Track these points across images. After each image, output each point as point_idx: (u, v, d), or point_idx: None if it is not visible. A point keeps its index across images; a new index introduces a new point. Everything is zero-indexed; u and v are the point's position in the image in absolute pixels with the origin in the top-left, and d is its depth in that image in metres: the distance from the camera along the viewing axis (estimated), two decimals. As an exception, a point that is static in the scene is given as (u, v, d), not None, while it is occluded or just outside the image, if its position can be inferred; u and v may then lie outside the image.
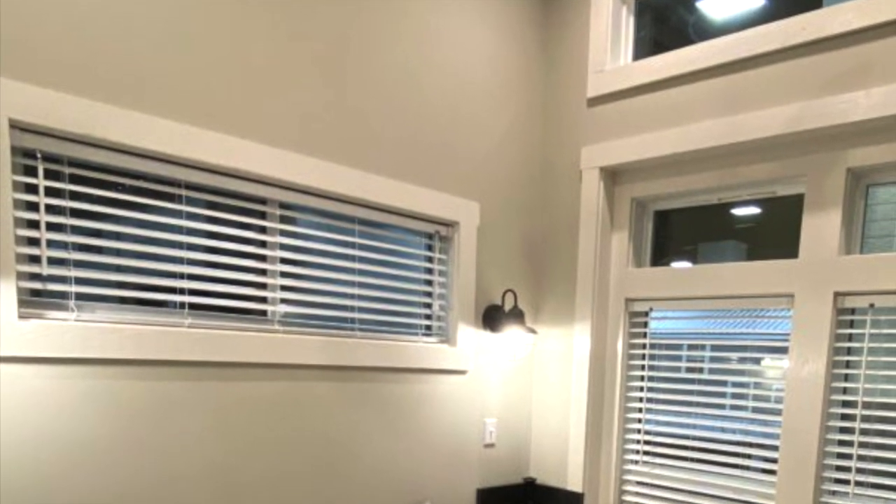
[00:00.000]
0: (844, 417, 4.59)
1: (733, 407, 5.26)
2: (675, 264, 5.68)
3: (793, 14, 4.51)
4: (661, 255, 5.78)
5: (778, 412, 4.85)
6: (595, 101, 5.62)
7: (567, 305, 5.85)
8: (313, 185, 4.45)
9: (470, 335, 5.48)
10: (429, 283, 5.35)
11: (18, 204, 3.37)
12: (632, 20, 5.57)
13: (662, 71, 5.14)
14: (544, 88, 5.98)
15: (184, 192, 3.98)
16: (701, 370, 5.43)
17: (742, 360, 5.24)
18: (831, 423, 4.62)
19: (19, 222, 3.39)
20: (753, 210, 5.30)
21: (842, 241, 4.53)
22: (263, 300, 4.39)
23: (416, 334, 5.27)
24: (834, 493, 4.63)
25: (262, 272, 4.37)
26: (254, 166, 4.14)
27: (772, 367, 5.07)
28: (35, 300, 3.49)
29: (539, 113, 5.97)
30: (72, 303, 3.60)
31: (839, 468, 4.61)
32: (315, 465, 4.63)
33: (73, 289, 3.61)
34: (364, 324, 4.90)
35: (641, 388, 5.69)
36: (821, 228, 4.59)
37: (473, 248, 5.47)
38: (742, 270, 5.00)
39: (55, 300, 3.56)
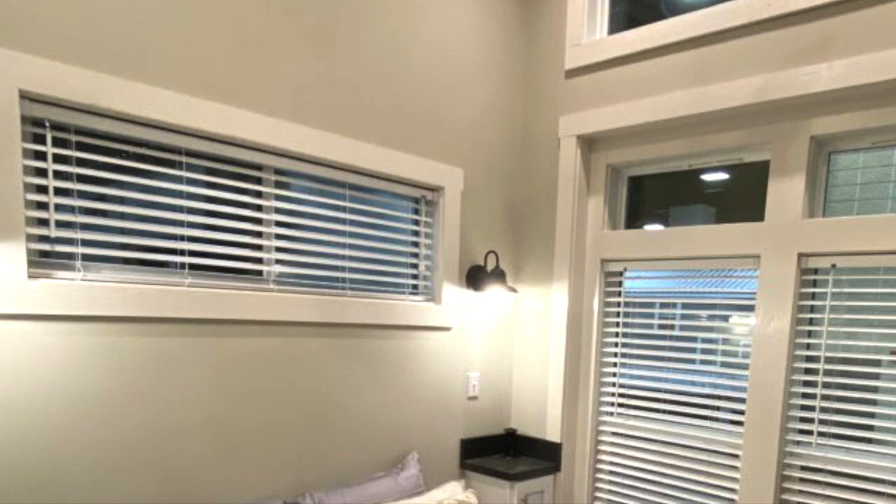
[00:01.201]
0: (808, 371, 4.62)
1: (703, 362, 5.28)
2: (648, 227, 5.68)
3: (759, -10, 4.53)
4: (634, 219, 5.78)
5: (745, 367, 4.90)
6: (572, 73, 5.63)
7: (546, 266, 5.88)
8: (306, 153, 4.47)
9: (454, 294, 5.52)
10: (415, 244, 5.37)
11: (28, 170, 3.41)
12: (607, -4, 5.58)
13: (636, 44, 5.15)
14: (524, 61, 5.99)
15: (184, 159, 4.01)
16: (672, 327, 5.43)
17: (711, 318, 5.25)
18: (795, 377, 4.66)
19: (29, 187, 3.42)
20: (722, 176, 5.30)
21: (805, 205, 4.56)
22: (259, 261, 4.41)
23: (404, 293, 5.29)
24: (798, 442, 4.68)
25: (258, 235, 4.39)
26: (250, 134, 4.16)
27: (739, 323, 5.08)
28: (43, 261, 3.52)
29: (519, 84, 5.98)
30: (78, 263, 3.63)
31: (803, 419, 4.66)
32: (308, 417, 4.67)
33: (80, 250, 3.64)
34: (354, 283, 4.93)
35: (616, 344, 5.72)
36: (785, 193, 4.61)
37: (457, 211, 5.49)
38: (711, 233, 5.03)
39: (62, 261, 3.59)
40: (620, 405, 5.73)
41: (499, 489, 5.48)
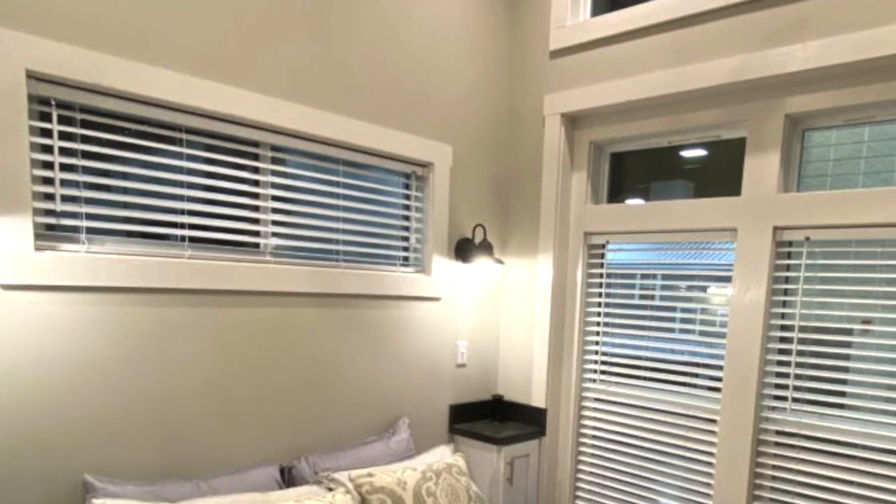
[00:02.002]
0: (783, 340, 4.65)
1: (682, 330, 5.27)
2: (630, 201, 5.68)
3: (737, -26, 4.55)
4: (616, 193, 5.79)
5: (722, 335, 4.93)
6: (557, 54, 5.65)
7: (531, 238, 5.91)
8: (301, 130, 4.49)
9: (443, 265, 5.54)
10: (406, 218, 5.38)
11: (35, 147, 3.44)
12: (591, -21, 5.58)
13: (618, 26, 5.16)
14: (510, 42, 5.99)
15: (184, 136, 4.03)
16: (653, 297, 5.43)
17: (690, 288, 5.25)
18: (771, 346, 4.70)
19: (35, 163, 3.45)
20: (700, 152, 5.29)
21: (780, 181, 4.59)
22: (256, 234, 4.43)
23: (395, 265, 5.31)
24: (773, 408, 4.72)
25: (255, 209, 4.41)
26: (247, 112, 4.19)
27: (717, 294, 5.09)
28: (49, 234, 3.55)
29: (506, 64, 5.99)
30: (83, 236, 3.66)
31: (778, 386, 4.69)
32: (303, 384, 4.70)
33: (84, 223, 3.66)
34: (347, 255, 4.95)
35: (599, 314, 5.74)
36: (761, 169, 4.64)
37: (446, 186, 5.51)
38: (690, 207, 5.04)
39: (68, 234, 3.62)
40: (603, 372, 5.75)
41: (486, 453, 5.51)
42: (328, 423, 4.89)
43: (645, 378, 5.51)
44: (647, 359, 5.52)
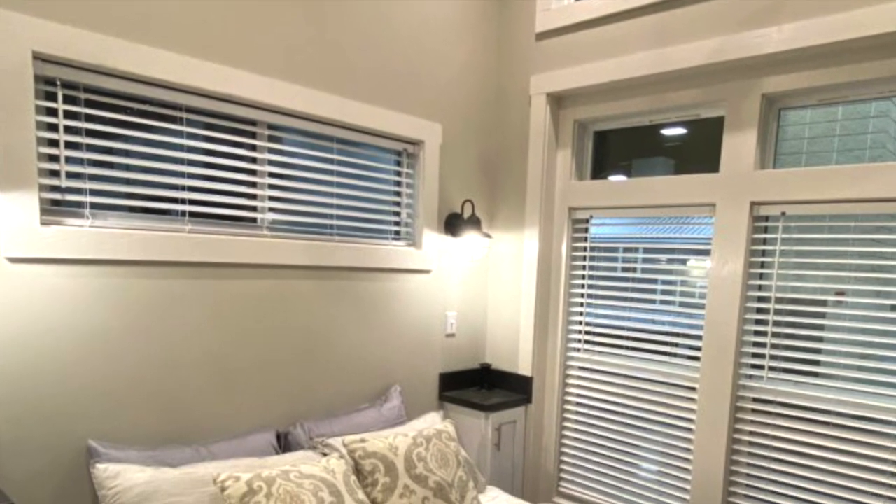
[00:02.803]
0: (759, 311, 4.66)
1: (663, 302, 5.29)
2: (613, 178, 5.68)
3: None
4: (600, 170, 5.79)
5: (702, 306, 4.97)
6: (543, 36, 5.65)
7: (518, 213, 5.93)
8: (297, 109, 4.50)
9: (433, 239, 5.56)
10: (398, 194, 5.39)
11: (41, 125, 3.46)
12: (575, -38, 5.58)
13: (601, 9, 5.16)
14: (498, 24, 5.99)
15: (184, 115, 4.04)
16: (634, 270, 5.44)
17: (670, 261, 5.24)
18: (748, 316, 4.72)
19: (41, 141, 3.47)
20: (680, 130, 5.29)
21: (757, 158, 4.61)
22: (254, 209, 4.44)
23: (387, 238, 5.33)
24: (750, 376, 4.74)
25: (253, 185, 4.42)
26: (245, 92, 4.20)
27: (696, 267, 5.08)
28: (55, 209, 3.57)
29: (494, 46, 5.99)
30: (87, 211, 3.68)
31: (755, 355, 4.72)
32: (298, 353, 4.72)
33: (88, 199, 3.68)
34: (341, 229, 4.97)
35: (583, 286, 5.76)
36: (739, 146, 4.66)
37: (436, 163, 5.53)
38: (670, 183, 5.07)
39: (72, 209, 3.64)
40: (587, 342, 5.78)
41: (474, 419, 5.55)
42: (323, 390, 4.91)
43: (627, 347, 5.52)
44: (629, 329, 5.53)
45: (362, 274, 5.08)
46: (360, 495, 3.80)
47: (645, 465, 5.43)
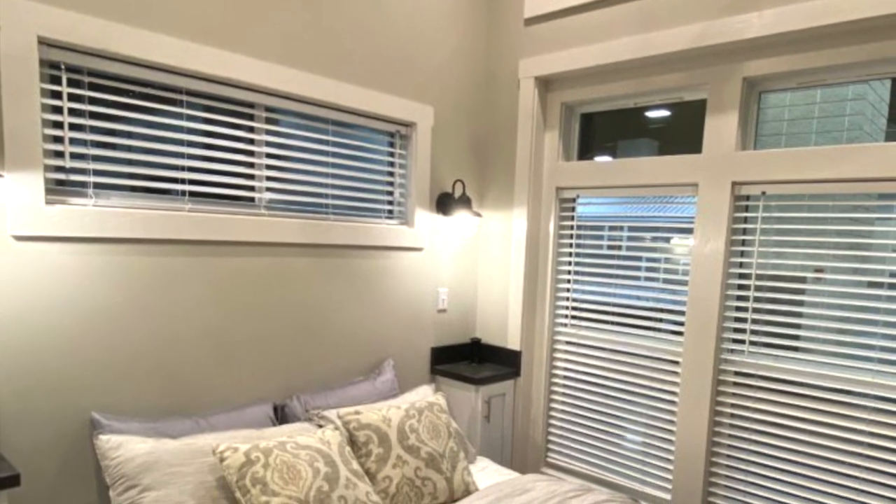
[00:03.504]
0: (741, 287, 4.67)
1: (647, 278, 5.29)
2: (598, 158, 5.68)
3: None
4: (586, 151, 5.79)
5: (685, 283, 5.01)
6: (531, 21, 5.65)
7: (507, 193, 5.95)
8: (294, 92, 4.52)
9: (425, 218, 5.58)
10: (391, 174, 5.40)
11: (46, 108, 3.49)
12: (563, -51, 5.58)
13: (588, -6, 5.19)
14: (488, 10, 5.99)
15: (185, 98, 4.06)
16: (620, 248, 5.44)
17: (654, 239, 5.24)
18: (730, 293, 4.75)
19: (46, 123, 3.50)
20: (664, 113, 5.29)
21: (738, 139, 4.63)
22: (251, 189, 4.46)
23: (380, 217, 5.34)
24: (732, 350, 4.79)
25: (251, 165, 4.44)
26: (243, 76, 4.22)
27: (679, 244, 5.08)
28: (59, 189, 3.59)
29: (483, 31, 5.99)
30: (90, 191, 3.70)
31: (736, 330, 4.75)
32: (295, 328, 4.75)
33: (92, 179, 3.71)
34: (336, 209, 4.99)
35: (569, 263, 5.78)
36: (721, 128, 4.68)
37: (428, 144, 5.54)
38: (654, 164, 5.08)
39: (76, 189, 3.66)
40: (573, 317, 5.80)
41: (465, 392, 5.59)
42: (318, 364, 4.94)
43: (612, 322, 5.55)
44: (614, 305, 5.54)
45: (357, 251, 5.10)
46: (355, 465, 3.83)
47: (630, 436, 5.45)
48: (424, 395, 4.99)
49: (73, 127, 3.62)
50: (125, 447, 3.46)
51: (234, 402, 4.43)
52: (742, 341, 4.75)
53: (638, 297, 5.37)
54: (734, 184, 4.67)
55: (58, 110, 3.56)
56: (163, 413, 4.07)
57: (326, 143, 4.88)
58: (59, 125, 3.57)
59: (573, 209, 5.75)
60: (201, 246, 4.17)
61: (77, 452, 3.72)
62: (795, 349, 4.52)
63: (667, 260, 5.16)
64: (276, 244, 4.57)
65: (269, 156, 4.54)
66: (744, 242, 4.72)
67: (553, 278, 5.88)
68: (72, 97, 3.60)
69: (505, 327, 6.04)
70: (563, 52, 5.40)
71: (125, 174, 3.87)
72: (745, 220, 4.70)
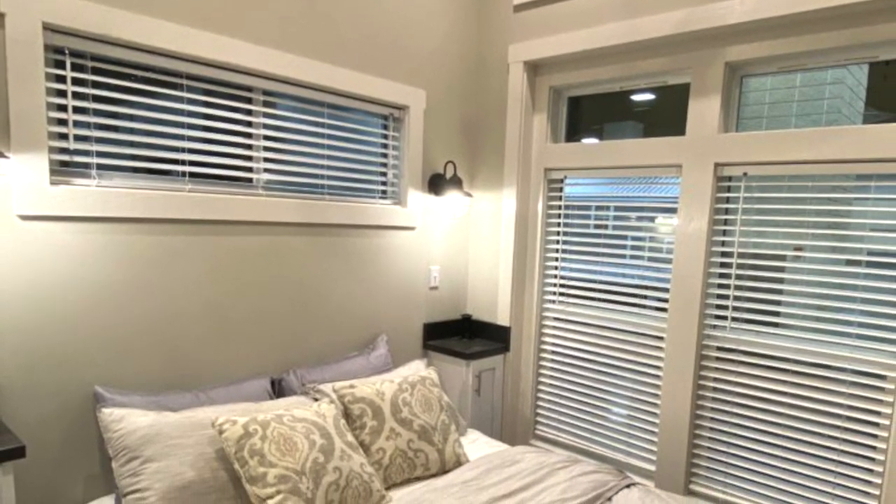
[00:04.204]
0: (723, 265, 4.70)
1: (632, 257, 5.31)
2: (585, 140, 5.67)
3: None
4: (573, 133, 5.81)
5: (669, 261, 5.05)
6: (520, 7, 5.65)
7: (497, 174, 5.96)
8: (290, 76, 4.53)
9: (418, 198, 5.60)
10: (384, 155, 5.42)
11: (50, 91, 3.51)
12: (551, -64, 5.59)
13: (576, -19, 5.20)
14: (479, -4, 6.04)
15: (185, 82, 4.07)
16: (606, 227, 5.45)
17: (640, 219, 5.25)
18: (712, 270, 4.79)
19: (51, 106, 3.52)
20: (649, 96, 5.30)
21: (721, 122, 4.65)
22: (249, 170, 4.48)
23: (374, 197, 5.36)
24: (714, 326, 4.83)
25: (249, 147, 4.45)
26: (242, 60, 4.23)
27: (664, 224, 5.09)
28: (63, 170, 3.61)
29: (474, 17, 5.99)
30: (93, 172, 3.72)
31: (718, 306, 4.79)
32: (292, 304, 4.78)
33: (95, 160, 3.72)
34: (332, 189, 5.00)
35: (557, 242, 5.80)
36: (704, 111, 4.70)
37: (420, 127, 5.55)
38: (639, 145, 5.09)
39: (80, 170, 3.68)
40: (561, 294, 5.84)
41: (456, 367, 5.62)
42: (314, 340, 4.97)
43: (599, 299, 5.58)
44: (600, 282, 5.55)
45: (351, 230, 5.11)
46: (349, 438, 3.85)
47: (616, 409, 5.49)
48: (417, 369, 5.02)
49: (76, 110, 3.63)
50: (127, 420, 3.48)
51: (233, 376, 4.46)
52: (724, 317, 4.78)
53: (623, 275, 5.38)
54: (717, 165, 4.69)
55: (62, 94, 3.57)
56: (164, 387, 4.10)
57: (322, 125, 4.89)
58: (63, 108, 3.59)
59: (561, 189, 5.77)
60: (201, 225, 4.19)
61: (81, 425, 3.75)
62: (776, 325, 4.55)
63: (651, 239, 5.17)
64: (274, 223, 4.59)
65: (266, 138, 4.56)
66: (726, 222, 4.75)
67: (541, 256, 5.90)
68: (75, 81, 3.61)
69: (495, 304, 6.07)
70: (552, 37, 5.41)
71: (127, 156, 3.89)
72: (728, 200, 4.72)
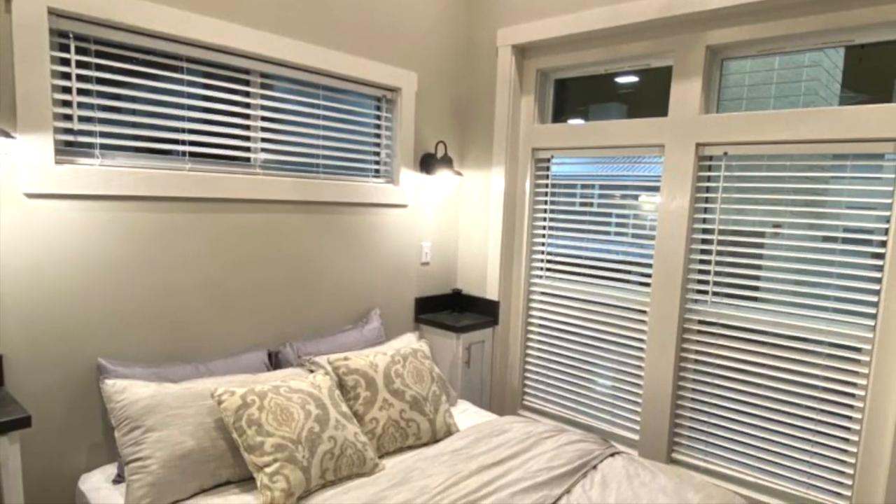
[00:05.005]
0: (704, 242, 4.73)
1: (617, 233, 5.32)
2: (572, 121, 5.68)
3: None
4: (560, 114, 5.82)
5: (652, 237, 5.08)
6: (509, -9, 5.69)
7: (486, 153, 5.98)
8: (287, 59, 4.55)
9: (410, 177, 5.62)
10: (377, 136, 5.43)
11: (55, 74, 3.53)
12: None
13: (563, -34, 5.20)
14: (469, -19, 6.03)
15: (185, 65, 4.10)
16: (591, 205, 5.47)
17: (624, 197, 5.26)
18: (694, 247, 4.81)
19: (56, 88, 3.54)
20: (632, 78, 5.31)
21: (702, 103, 4.67)
22: (247, 150, 4.50)
23: (368, 176, 5.38)
24: (696, 301, 4.86)
25: (247, 128, 4.47)
26: (240, 44, 4.25)
27: (647, 202, 5.11)
28: (68, 149, 3.64)
29: (465, 1, 5.97)
30: (97, 151, 3.75)
31: (700, 281, 4.82)
32: (288, 279, 4.81)
33: (98, 140, 3.75)
34: (327, 168, 5.02)
35: (544, 219, 5.82)
36: (685, 93, 4.72)
37: (412, 108, 5.57)
38: (623, 126, 5.10)
39: (84, 149, 3.70)
40: (548, 269, 5.87)
41: (447, 339, 5.66)
42: (310, 313, 5.00)
43: (584, 275, 5.61)
44: (586, 258, 5.57)
45: (346, 208, 5.13)
46: (344, 408, 3.89)
47: (601, 381, 5.53)
48: (409, 342, 5.06)
49: (80, 92, 3.65)
50: (129, 391, 3.51)
51: (232, 348, 4.49)
52: (705, 292, 4.81)
53: (608, 251, 5.40)
54: (698, 145, 4.71)
55: (66, 76, 3.60)
56: (164, 359, 4.14)
57: (317, 107, 4.90)
58: (67, 90, 3.61)
59: (548, 168, 5.79)
60: (200, 203, 4.21)
61: (84, 396, 3.80)
62: (755, 299, 4.58)
63: (635, 216, 5.19)
64: (271, 201, 4.61)
65: (264, 119, 4.57)
66: (707, 200, 4.76)
67: (529, 233, 5.92)
68: (79, 64, 3.63)
69: (484, 279, 6.09)
70: (539, 21, 5.41)
71: (129, 136, 3.90)
72: (709, 178, 4.73)
